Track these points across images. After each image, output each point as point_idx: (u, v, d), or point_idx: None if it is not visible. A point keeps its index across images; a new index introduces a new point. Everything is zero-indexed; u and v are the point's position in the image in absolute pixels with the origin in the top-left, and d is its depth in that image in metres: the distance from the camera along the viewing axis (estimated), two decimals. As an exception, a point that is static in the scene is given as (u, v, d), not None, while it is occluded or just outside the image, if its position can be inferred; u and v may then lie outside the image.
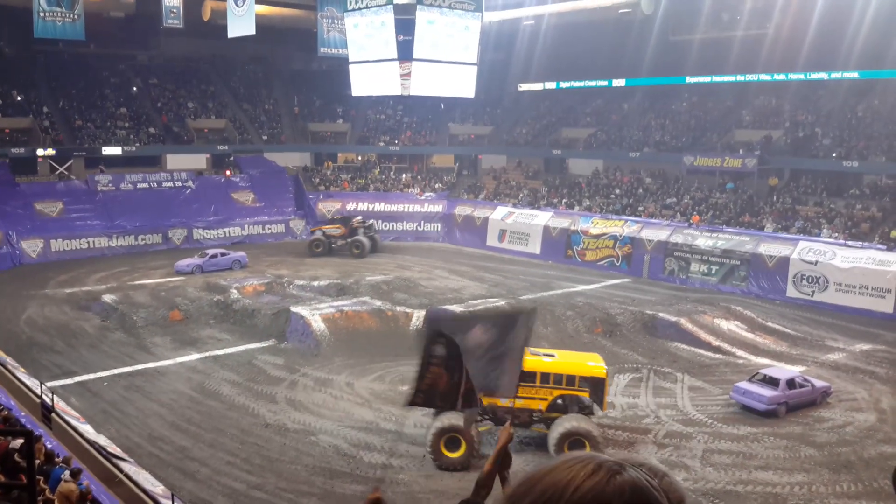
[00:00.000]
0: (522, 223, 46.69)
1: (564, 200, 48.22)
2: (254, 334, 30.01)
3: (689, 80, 49.35)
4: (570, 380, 19.93)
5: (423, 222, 51.31)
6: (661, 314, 31.35)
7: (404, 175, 56.11)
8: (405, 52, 36.03)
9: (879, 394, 24.67)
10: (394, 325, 29.98)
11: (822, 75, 43.45)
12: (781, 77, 45.07)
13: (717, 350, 28.71)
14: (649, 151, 48.79)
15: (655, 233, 40.80)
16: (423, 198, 52.04)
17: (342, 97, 54.84)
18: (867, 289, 33.24)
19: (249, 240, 48.66)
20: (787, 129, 45.27)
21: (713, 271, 38.28)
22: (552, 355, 21.17)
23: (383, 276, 38.41)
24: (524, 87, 58.10)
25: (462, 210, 50.40)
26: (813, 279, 34.78)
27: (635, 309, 32.40)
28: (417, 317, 30.37)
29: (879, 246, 34.30)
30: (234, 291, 33.95)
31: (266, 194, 51.57)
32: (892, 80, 41.42)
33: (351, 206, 51.25)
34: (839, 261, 34.21)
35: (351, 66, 39.27)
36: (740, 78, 46.80)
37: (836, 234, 36.36)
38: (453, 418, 19.09)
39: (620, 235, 41.94)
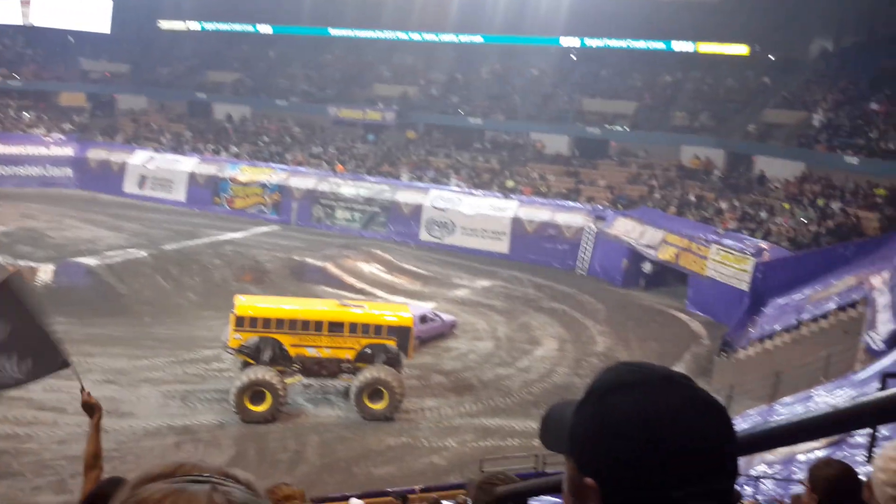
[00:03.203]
0: (165, 169, 44.57)
1: (211, 146, 46.89)
2: None
3: (332, 31, 50.62)
4: (378, 329, 20.19)
5: (49, 167, 46.41)
6: (308, 259, 32.36)
7: (27, 114, 49.91)
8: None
9: (496, 324, 28.22)
10: (17, 281, 27.08)
11: (453, 37, 47.48)
12: (417, 37, 48.36)
13: (360, 292, 30.43)
14: (296, 101, 49.31)
15: (303, 181, 41.63)
16: (49, 140, 46.97)
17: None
18: (487, 232, 37.47)
19: None
20: (422, 86, 48.65)
21: (356, 218, 40.27)
22: (361, 306, 21.49)
23: (3, 227, 34.30)
24: (165, 24, 54.91)
25: (96, 154, 46.58)
26: (442, 224, 38.29)
27: (283, 255, 33.00)
28: (45, 271, 27.82)
29: (497, 194, 38.74)
30: None
31: None
32: (512, 45, 46.71)
33: (-42, 148, 44.61)
34: (465, 207, 38.03)
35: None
36: (380, 34, 49.22)
37: (462, 184, 40.28)
38: (257, 372, 18.95)
39: (269, 183, 42.10)
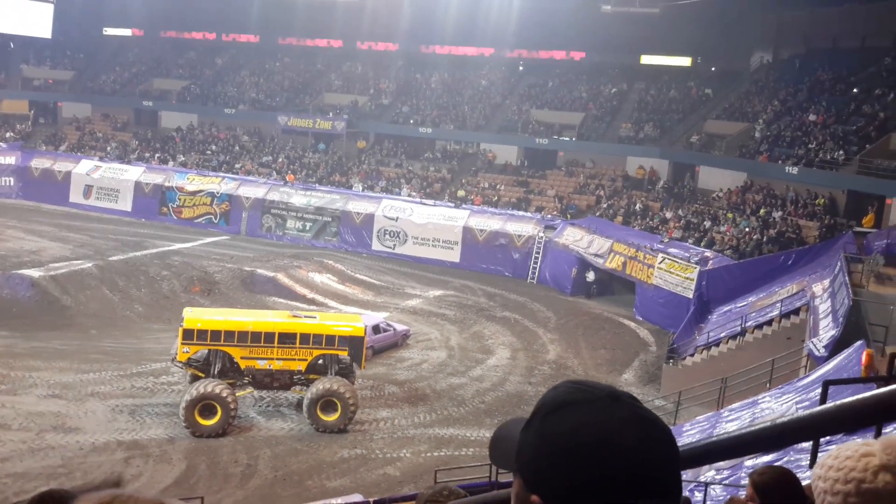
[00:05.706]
0: (111, 178, 43.78)
1: (157, 155, 46.19)
2: None
3: (280, 41, 50.47)
4: (330, 339, 20.01)
5: (-10, 176, 45.27)
6: (259, 270, 32.09)
7: (-37, 121, 48.65)
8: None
9: (449, 333, 28.36)
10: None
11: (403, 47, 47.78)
12: (365, 47, 48.54)
13: (312, 302, 30.32)
14: (245, 109, 48.89)
15: (253, 190, 41.26)
16: (-11, 148, 45.83)
17: None
18: (439, 241, 37.62)
19: None
20: (371, 95, 48.68)
21: (307, 227, 40.06)
22: (313, 317, 21.38)
23: (-60, 238, 33.34)
24: (110, 31, 54.00)
25: (40, 163, 45.53)
26: (394, 234, 38.33)
27: (233, 266, 32.67)
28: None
29: (448, 203, 38.95)
30: None
31: None
32: (461, 55, 47.04)
33: None
34: (416, 217, 38.14)
35: None
36: (332, 43, 49.23)
37: (414, 193, 40.40)
38: (205, 385, 18.69)
39: (218, 192, 41.62)
